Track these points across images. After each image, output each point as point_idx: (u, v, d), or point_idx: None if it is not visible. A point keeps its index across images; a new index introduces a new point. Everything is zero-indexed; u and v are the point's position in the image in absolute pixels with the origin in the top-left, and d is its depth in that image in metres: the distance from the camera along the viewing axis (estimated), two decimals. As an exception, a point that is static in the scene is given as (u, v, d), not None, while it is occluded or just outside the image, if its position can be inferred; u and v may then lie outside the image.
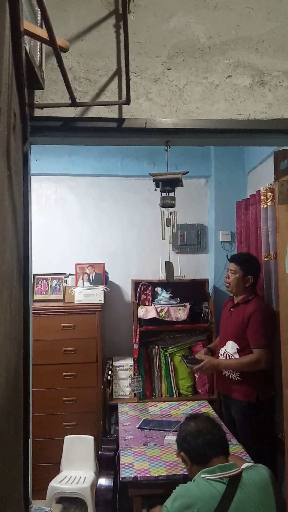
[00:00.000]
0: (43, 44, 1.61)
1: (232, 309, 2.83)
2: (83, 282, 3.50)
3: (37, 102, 1.68)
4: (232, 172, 3.76)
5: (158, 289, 3.55)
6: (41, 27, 1.44)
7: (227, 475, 1.58)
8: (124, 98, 1.68)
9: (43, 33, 1.31)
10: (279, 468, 2.58)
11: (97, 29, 1.72)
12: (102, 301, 3.35)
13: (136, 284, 3.51)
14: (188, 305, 3.41)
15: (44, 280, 3.65)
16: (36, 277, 3.62)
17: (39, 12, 1.48)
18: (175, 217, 2.29)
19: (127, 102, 1.64)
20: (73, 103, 1.60)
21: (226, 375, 2.74)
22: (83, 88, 1.71)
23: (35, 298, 3.57)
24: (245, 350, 2.66)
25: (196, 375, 3.33)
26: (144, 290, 3.48)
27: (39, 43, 1.57)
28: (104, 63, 1.72)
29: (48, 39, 1.25)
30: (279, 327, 2.55)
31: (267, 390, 2.64)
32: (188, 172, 2.17)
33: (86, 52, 1.72)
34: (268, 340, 2.58)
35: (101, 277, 3.52)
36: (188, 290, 3.56)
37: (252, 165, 3.58)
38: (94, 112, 1.70)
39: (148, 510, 2.01)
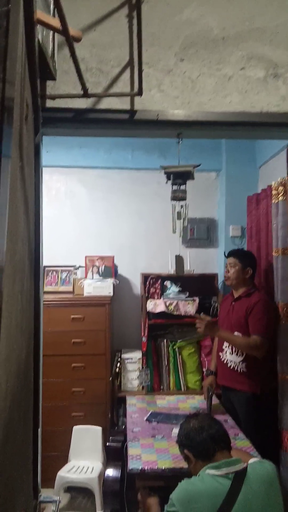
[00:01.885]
0: (56, 34, 1.60)
1: (233, 303, 2.89)
2: (92, 275, 3.51)
3: (49, 93, 1.67)
4: (243, 166, 3.73)
5: (167, 283, 3.54)
6: (54, 16, 1.43)
7: (233, 470, 1.58)
8: (136, 89, 1.67)
9: (56, 22, 1.30)
10: (283, 461, 2.59)
11: (110, 19, 1.71)
12: (111, 294, 3.36)
13: (145, 277, 3.52)
14: (197, 299, 3.40)
15: (54, 272, 3.67)
16: (46, 269, 3.64)
17: (52, 2, 1.47)
18: (186, 210, 2.28)
19: (139, 93, 1.63)
20: (85, 94, 1.59)
21: (232, 367, 2.77)
22: (95, 79, 1.70)
23: (45, 290, 3.59)
24: None
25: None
26: (153, 283, 3.48)
27: (51, 33, 1.56)
28: (116, 54, 1.71)
29: (61, 28, 1.24)
30: (280, 320, 2.62)
31: (269, 381, 2.70)
32: (200, 165, 2.15)
33: (98, 42, 1.71)
34: (268, 330, 2.65)
35: (110, 270, 3.52)
36: (197, 285, 3.55)
37: (264, 159, 3.55)
38: (106, 103, 1.69)
39: (145, 498, 2.02)
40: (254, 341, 2.63)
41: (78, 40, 1.38)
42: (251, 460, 1.73)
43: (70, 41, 1.29)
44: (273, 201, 2.87)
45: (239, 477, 1.57)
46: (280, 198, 2.76)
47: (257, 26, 1.71)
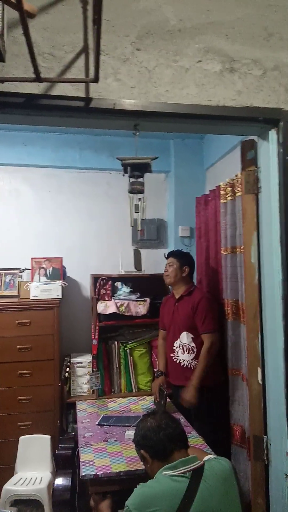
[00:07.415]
0: (5, 14, 1.50)
1: (177, 304, 2.94)
2: (39, 277, 3.37)
3: (-3, 76, 1.56)
4: (191, 167, 3.78)
5: (118, 284, 3.48)
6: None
7: (190, 468, 1.55)
8: (92, 76, 1.60)
9: (8, -5, 1.21)
10: (234, 454, 2.64)
11: (64, 2, 1.63)
12: (60, 297, 3.25)
13: (95, 278, 3.43)
14: (148, 299, 3.38)
15: (-3, 275, 3.48)
16: (-11, 271, 3.45)
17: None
18: (144, 203, 2.25)
19: (96, 80, 1.55)
20: (38, 78, 1.49)
21: (185, 366, 2.81)
22: (48, 64, 1.62)
23: (-13, 294, 3.40)
24: (199, 337, 2.78)
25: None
26: (104, 284, 3.41)
27: (0, 11, 1.46)
28: (71, 39, 1.63)
29: (14, 1, 1.16)
30: (240, 316, 2.67)
31: (220, 374, 2.79)
32: (158, 157, 2.12)
33: (51, 26, 1.62)
34: (216, 325, 2.76)
35: (58, 272, 3.40)
36: (148, 285, 3.51)
37: (211, 162, 3.61)
38: (60, 89, 1.61)
39: (98, 503, 1.93)
40: (208, 343, 2.70)
41: (32, 15, 1.30)
42: (207, 457, 1.71)
43: (23, 16, 1.20)
44: (221, 201, 2.92)
45: (197, 475, 1.54)
46: (229, 198, 2.82)
47: (214, 19, 1.71)
